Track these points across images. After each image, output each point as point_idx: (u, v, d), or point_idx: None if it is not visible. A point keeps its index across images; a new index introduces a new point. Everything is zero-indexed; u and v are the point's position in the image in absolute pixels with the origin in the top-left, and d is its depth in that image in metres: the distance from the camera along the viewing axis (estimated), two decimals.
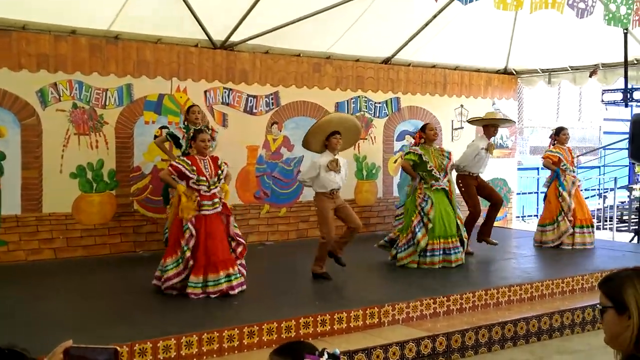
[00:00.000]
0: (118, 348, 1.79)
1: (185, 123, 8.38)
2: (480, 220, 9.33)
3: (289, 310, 5.93)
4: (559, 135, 9.80)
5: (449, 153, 8.32)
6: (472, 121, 9.87)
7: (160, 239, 8.39)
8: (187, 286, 6.35)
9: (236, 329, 5.37)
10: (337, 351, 2.04)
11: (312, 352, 2.01)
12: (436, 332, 5.91)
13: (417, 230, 7.93)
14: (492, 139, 9.22)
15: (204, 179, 6.43)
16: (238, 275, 6.49)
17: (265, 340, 5.48)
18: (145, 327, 5.39)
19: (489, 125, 9.19)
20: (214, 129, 8.72)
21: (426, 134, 8.17)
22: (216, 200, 6.50)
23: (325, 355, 2.00)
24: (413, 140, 8.78)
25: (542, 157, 9.99)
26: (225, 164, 6.75)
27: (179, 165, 6.45)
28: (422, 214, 7.95)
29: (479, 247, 9.15)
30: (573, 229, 9.54)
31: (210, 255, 6.37)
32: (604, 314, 2.22)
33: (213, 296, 6.30)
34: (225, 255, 6.46)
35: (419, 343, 5.72)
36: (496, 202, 9.24)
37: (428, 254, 7.93)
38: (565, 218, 9.52)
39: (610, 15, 7.38)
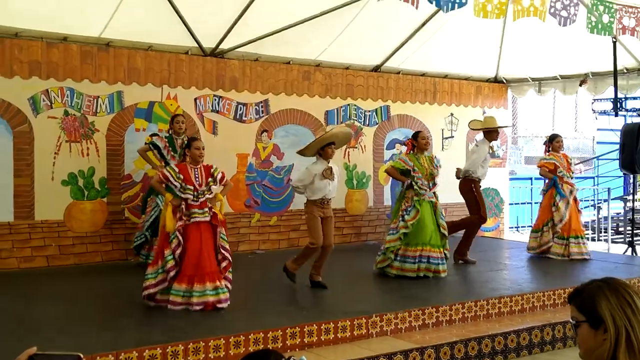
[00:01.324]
0: (81, 355, 1.77)
1: (170, 132, 8.38)
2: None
3: (276, 320, 5.92)
4: (552, 142, 9.79)
5: (439, 162, 8.31)
6: (475, 127, 9.86)
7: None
8: (170, 294, 6.27)
9: (222, 339, 5.35)
10: (304, 358, 2.03)
11: (279, 359, 2.01)
12: (425, 344, 5.87)
13: (389, 232, 8.08)
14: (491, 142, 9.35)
15: (191, 187, 6.36)
16: (225, 289, 6.41)
17: (251, 350, 5.45)
18: (132, 336, 5.38)
19: (492, 131, 9.26)
20: None
21: (418, 142, 8.18)
22: (206, 209, 6.42)
23: None
24: (405, 149, 8.80)
25: (538, 166, 9.95)
26: (222, 173, 6.67)
27: (167, 173, 6.43)
28: (402, 219, 7.99)
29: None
30: (566, 239, 9.48)
31: (198, 265, 6.30)
32: (577, 329, 2.19)
33: (197, 307, 6.19)
34: (213, 267, 6.40)
35: (407, 355, 5.69)
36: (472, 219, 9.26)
37: (410, 260, 7.94)
38: (550, 230, 9.52)
39: (593, 24, 7.43)
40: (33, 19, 8.06)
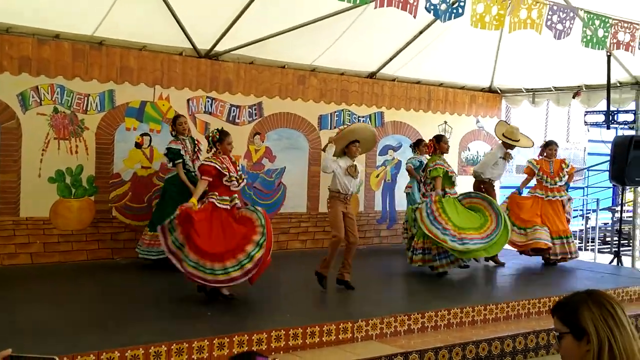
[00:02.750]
0: (57, 358, 1.76)
1: (174, 134, 8.35)
2: None
3: (260, 322, 5.91)
4: (544, 148, 10.10)
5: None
6: (498, 132, 10.04)
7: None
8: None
9: (206, 340, 5.31)
10: None
11: (264, 356, 2.01)
12: (409, 349, 5.85)
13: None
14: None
15: (235, 176, 6.74)
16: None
17: (235, 352, 5.42)
18: (115, 336, 5.32)
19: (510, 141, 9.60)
20: (199, 142, 8.67)
21: (440, 146, 8.67)
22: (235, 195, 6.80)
23: None
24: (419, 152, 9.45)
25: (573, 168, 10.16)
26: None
27: (214, 164, 6.68)
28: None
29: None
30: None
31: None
32: (561, 340, 2.21)
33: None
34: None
35: None
36: None
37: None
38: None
39: (588, 38, 7.46)
40: (25, 15, 8.00)
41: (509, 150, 9.71)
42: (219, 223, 6.59)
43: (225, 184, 6.70)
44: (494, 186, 9.81)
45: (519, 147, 10.06)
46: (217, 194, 6.67)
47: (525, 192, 10.06)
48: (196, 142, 8.59)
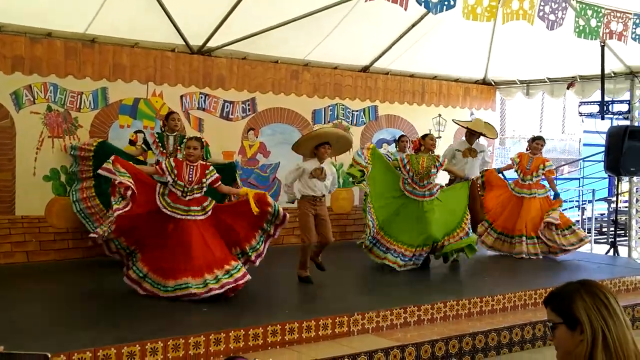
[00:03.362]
0: (49, 354, 1.75)
1: (163, 129, 8.33)
2: None
3: (257, 317, 5.89)
4: (529, 143, 10.12)
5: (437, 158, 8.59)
6: (457, 122, 10.26)
7: None
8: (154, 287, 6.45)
9: (202, 336, 5.31)
10: None
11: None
12: (406, 342, 5.87)
13: None
14: (474, 144, 9.56)
15: (182, 184, 6.50)
16: (228, 274, 6.47)
17: (231, 348, 5.42)
18: (111, 333, 5.31)
19: (472, 133, 9.30)
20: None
21: (425, 142, 8.53)
22: (195, 208, 6.54)
23: None
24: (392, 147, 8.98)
25: (550, 173, 10.08)
26: (217, 176, 6.77)
27: (164, 166, 6.61)
28: None
29: None
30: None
31: (190, 260, 6.38)
32: (554, 331, 2.21)
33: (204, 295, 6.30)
34: (208, 258, 6.46)
35: (387, 353, 5.68)
36: (474, 222, 9.29)
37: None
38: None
39: (581, 28, 7.46)
40: (17, 14, 7.98)
41: (473, 147, 9.52)
42: (159, 221, 6.51)
43: (171, 189, 6.55)
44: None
45: (518, 144, 10.03)
46: (166, 194, 6.56)
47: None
48: (185, 141, 8.51)
